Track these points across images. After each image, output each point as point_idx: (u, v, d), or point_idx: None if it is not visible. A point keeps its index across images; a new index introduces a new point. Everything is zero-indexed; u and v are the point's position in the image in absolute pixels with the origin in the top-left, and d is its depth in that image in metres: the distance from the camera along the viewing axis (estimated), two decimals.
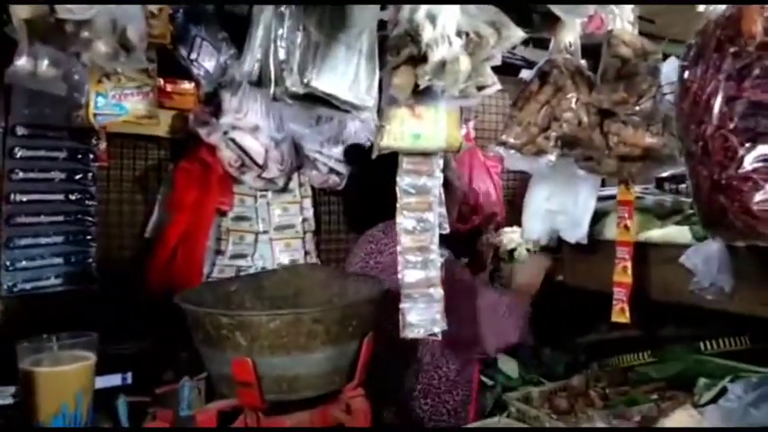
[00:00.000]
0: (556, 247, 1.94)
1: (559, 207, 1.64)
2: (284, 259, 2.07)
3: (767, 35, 0.81)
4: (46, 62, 0.88)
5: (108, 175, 1.87)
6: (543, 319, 1.95)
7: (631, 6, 1.33)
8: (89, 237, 1.79)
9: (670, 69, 1.39)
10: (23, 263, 1.67)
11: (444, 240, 1.24)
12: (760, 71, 0.82)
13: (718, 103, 0.84)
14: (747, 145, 0.83)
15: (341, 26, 1.02)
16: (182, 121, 1.90)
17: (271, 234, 2.08)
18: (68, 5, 0.76)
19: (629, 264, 1.61)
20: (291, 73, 0.95)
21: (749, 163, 0.83)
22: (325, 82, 0.99)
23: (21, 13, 0.72)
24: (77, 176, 1.75)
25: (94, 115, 1.25)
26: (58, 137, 1.72)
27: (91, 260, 1.79)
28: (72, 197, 1.74)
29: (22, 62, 0.86)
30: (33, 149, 1.68)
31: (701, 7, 1.01)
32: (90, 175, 1.78)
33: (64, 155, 1.73)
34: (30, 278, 1.68)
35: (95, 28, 0.80)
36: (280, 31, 0.98)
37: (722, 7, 0.90)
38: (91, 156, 1.78)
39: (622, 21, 1.31)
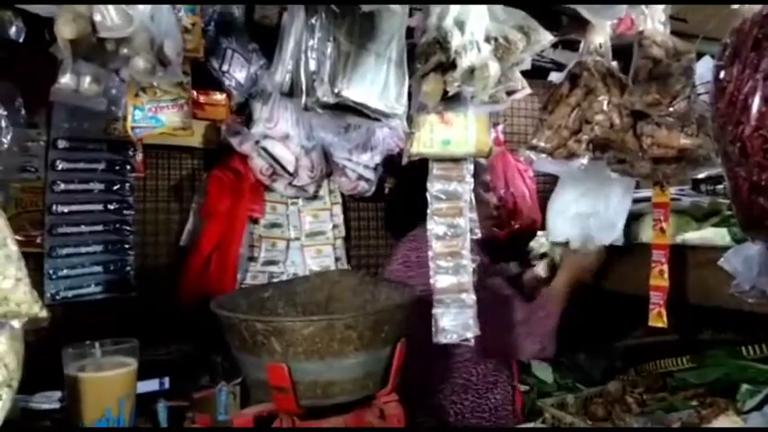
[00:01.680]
0: None
1: (590, 209, 1.62)
2: (315, 266, 2.09)
3: None
4: (88, 79, 0.91)
5: (144, 185, 1.93)
6: (579, 324, 1.92)
7: (663, 6, 1.31)
8: (127, 245, 1.84)
9: (704, 69, 1.36)
10: (65, 271, 1.73)
11: (484, 246, 1.23)
12: None
13: (756, 104, 0.83)
14: None
15: (370, 35, 1.03)
16: (214, 131, 1.95)
17: (302, 241, 2.10)
18: (109, 24, 0.79)
19: (665, 267, 1.58)
20: (322, 83, 0.97)
21: None
22: (355, 91, 1.00)
23: (65, 33, 0.75)
24: (115, 187, 1.81)
25: (132, 128, 1.29)
26: (96, 149, 1.79)
27: (129, 268, 1.84)
28: (111, 207, 1.80)
29: (65, 80, 0.90)
30: (74, 162, 1.75)
31: (737, 5, 0.99)
32: (127, 185, 1.83)
33: (102, 166, 1.79)
34: (71, 286, 1.74)
35: (134, 45, 0.83)
36: (310, 42, 0.99)
37: (759, 5, 0.88)
38: (128, 167, 1.84)
39: (653, 21, 1.29)
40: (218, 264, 1.85)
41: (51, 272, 1.71)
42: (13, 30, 1.10)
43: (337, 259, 2.16)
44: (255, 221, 2.02)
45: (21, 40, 1.12)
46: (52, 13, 0.77)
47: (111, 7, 0.81)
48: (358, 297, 1.45)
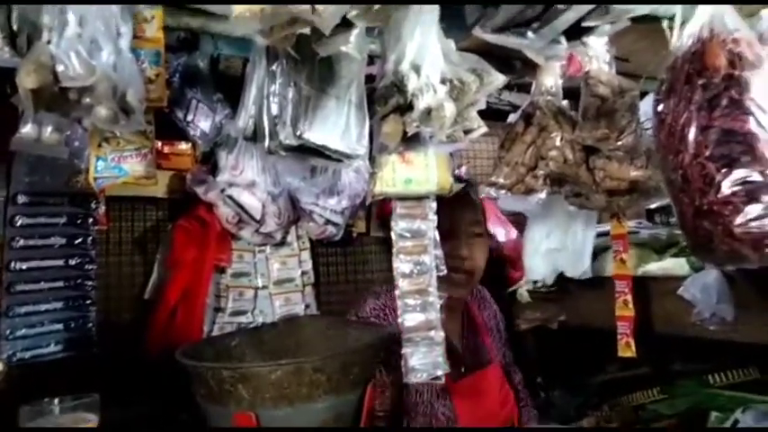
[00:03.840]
0: (556, 287, 1.94)
1: (559, 244, 1.67)
2: (284, 314, 2.07)
3: (731, 67, 0.86)
4: (50, 128, 0.91)
5: (107, 238, 1.90)
6: (552, 361, 1.93)
7: (606, 48, 1.39)
8: (89, 301, 1.79)
9: (648, 105, 1.45)
10: (23, 331, 1.66)
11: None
12: (727, 101, 0.86)
13: (692, 133, 0.88)
14: (723, 171, 0.86)
15: (330, 80, 1.07)
16: (179, 181, 1.95)
17: (270, 289, 2.08)
18: (71, 74, 0.80)
19: (629, 297, 1.62)
20: (285, 126, 1.00)
21: (727, 187, 0.86)
22: (317, 134, 1.03)
23: (27, 83, 0.76)
24: (77, 241, 1.77)
25: (95, 179, 1.28)
26: (58, 203, 1.76)
27: (91, 325, 1.78)
28: (72, 262, 1.76)
29: (27, 129, 0.90)
30: (34, 217, 1.71)
31: (672, 45, 1.06)
32: (90, 239, 1.80)
33: (64, 220, 1.76)
34: (29, 346, 1.67)
35: (97, 94, 0.84)
36: (272, 88, 1.02)
37: (689, 43, 0.95)
38: (90, 220, 1.81)
39: (599, 62, 1.38)
40: (185, 315, 1.81)
41: (8, 332, 1.64)
42: None
43: (307, 306, 2.14)
44: (222, 271, 2.00)
45: None
46: (14, 64, 0.78)
47: (73, 57, 0.82)
48: (328, 341, 1.43)
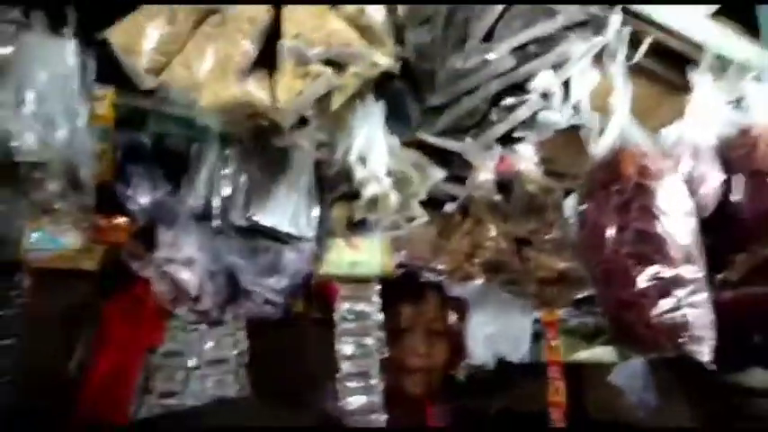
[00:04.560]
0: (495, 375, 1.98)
1: (499, 329, 1.73)
2: (216, 396, 1.98)
3: (640, 177, 0.99)
4: None
5: (32, 312, 1.79)
6: None
7: (534, 150, 1.53)
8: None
9: (573, 203, 1.58)
10: None
11: None
12: (638, 206, 0.98)
13: (610, 232, 0.99)
14: (639, 267, 0.96)
15: (281, 167, 1.12)
16: (113, 255, 1.89)
17: (203, 369, 2.00)
18: (26, 150, 0.81)
19: (560, 383, 1.68)
20: (236, 208, 1.03)
21: (643, 282, 0.95)
22: (267, 216, 1.07)
23: None
24: None
25: (26, 251, 1.25)
26: None
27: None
28: None
29: None
30: None
31: (591, 149, 1.19)
32: (12, 313, 1.69)
33: None
34: None
35: (50, 169, 0.85)
36: (224, 171, 1.06)
37: (604, 152, 1.08)
38: (14, 292, 1.71)
39: (527, 162, 1.51)
40: (112, 397, 1.71)
41: None
42: None
43: (240, 388, 2.07)
44: (152, 350, 1.92)
45: None
46: None
47: (29, 133, 0.84)
48: (262, 426, 1.39)
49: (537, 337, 1.84)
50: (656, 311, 0.93)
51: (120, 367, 1.77)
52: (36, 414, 1.66)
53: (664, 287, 0.95)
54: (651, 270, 0.94)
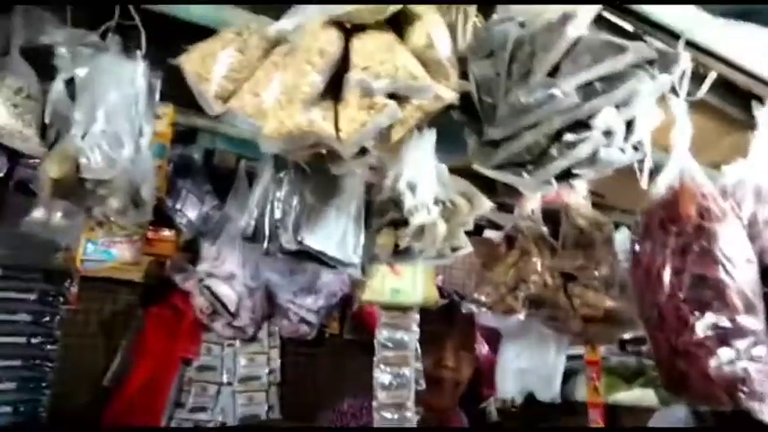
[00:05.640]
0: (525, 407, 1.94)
1: (530, 365, 1.69)
2: (246, 414, 1.99)
3: (700, 218, 0.95)
4: (59, 214, 0.93)
5: (74, 318, 1.84)
6: None
7: (584, 183, 1.51)
8: (44, 384, 1.70)
9: (622, 238, 1.55)
10: None
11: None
12: (698, 249, 0.94)
13: (667, 275, 0.95)
14: (697, 314, 0.92)
15: (332, 193, 1.13)
16: (157, 266, 1.94)
17: (235, 386, 2.02)
18: (93, 167, 0.84)
19: (600, 425, 1.63)
20: (286, 231, 1.03)
21: (701, 330, 0.91)
22: (316, 240, 1.07)
23: (51, 172, 0.79)
24: (44, 319, 1.72)
25: (82, 261, 1.28)
26: (31, 278, 1.71)
27: (42, 410, 1.68)
28: (34, 341, 1.69)
29: (39, 214, 0.91)
30: (4, 291, 1.66)
31: (644, 185, 1.16)
32: (57, 318, 1.74)
33: (34, 297, 1.71)
34: None
35: (113, 186, 0.88)
36: (278, 194, 1.07)
37: (663, 190, 1.05)
38: (61, 298, 1.76)
39: (577, 195, 1.48)
40: (144, 408, 1.73)
41: None
42: None
43: (270, 408, 2.07)
44: (187, 363, 1.94)
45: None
46: (40, 153, 0.81)
47: (96, 151, 0.86)
48: None
49: (569, 374, 1.78)
50: (714, 362, 0.89)
51: (156, 377, 1.80)
52: (69, 419, 1.70)
53: (723, 337, 0.91)
54: (710, 318, 0.91)
